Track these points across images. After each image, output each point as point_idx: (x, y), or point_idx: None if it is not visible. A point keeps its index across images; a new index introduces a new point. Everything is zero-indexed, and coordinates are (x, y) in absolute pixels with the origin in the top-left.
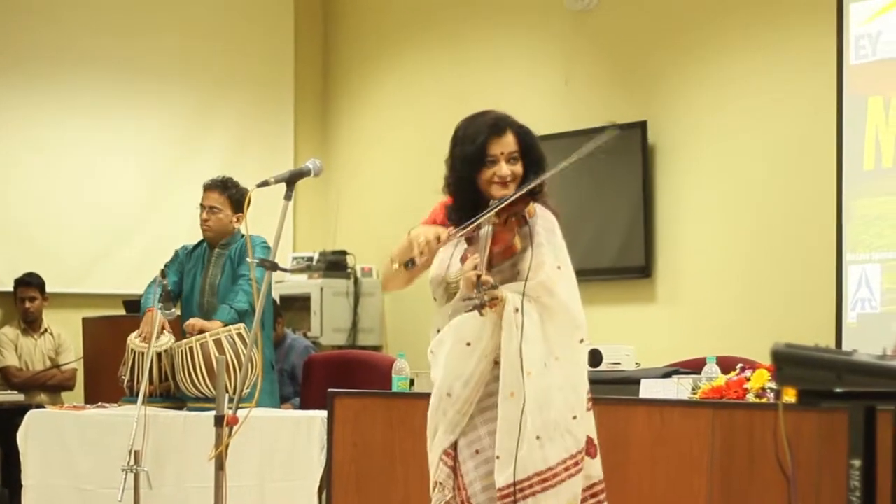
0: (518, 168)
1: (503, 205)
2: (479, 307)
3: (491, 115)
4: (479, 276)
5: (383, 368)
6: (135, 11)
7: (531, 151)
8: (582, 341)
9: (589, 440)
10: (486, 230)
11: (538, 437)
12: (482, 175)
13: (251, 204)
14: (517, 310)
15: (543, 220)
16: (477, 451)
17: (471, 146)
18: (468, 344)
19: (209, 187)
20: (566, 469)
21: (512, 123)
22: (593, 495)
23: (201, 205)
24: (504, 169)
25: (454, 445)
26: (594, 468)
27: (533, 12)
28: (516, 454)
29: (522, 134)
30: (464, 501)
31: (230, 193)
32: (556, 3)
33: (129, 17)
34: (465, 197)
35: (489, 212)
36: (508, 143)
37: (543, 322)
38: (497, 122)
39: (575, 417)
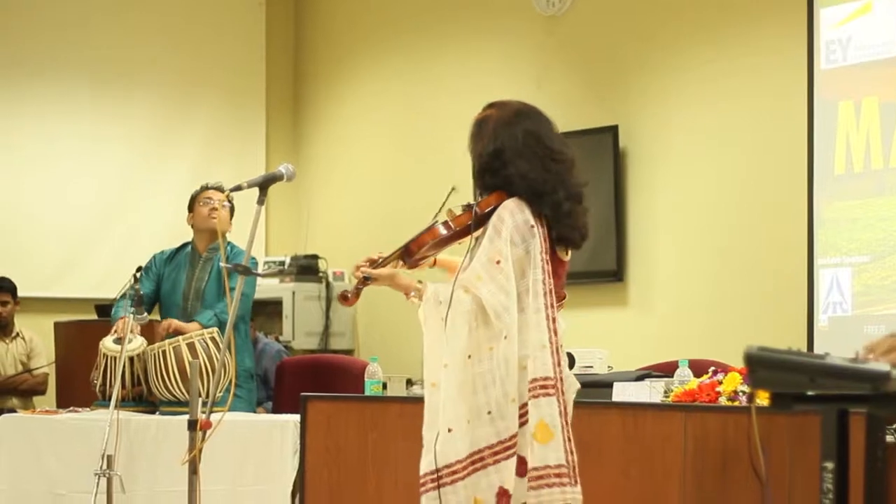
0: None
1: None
2: (342, 296)
3: None
4: (357, 266)
5: (356, 372)
6: (105, 17)
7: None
8: (506, 337)
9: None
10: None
11: (450, 430)
12: None
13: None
14: (441, 302)
15: (499, 215)
16: None
17: None
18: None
19: (215, 188)
20: (472, 463)
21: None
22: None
23: (207, 198)
24: None
25: None
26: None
27: (504, 17)
28: (435, 444)
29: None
30: None
31: (229, 198)
32: (528, 8)
33: (100, 22)
34: None
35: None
36: None
37: (476, 313)
38: None
39: (490, 413)
